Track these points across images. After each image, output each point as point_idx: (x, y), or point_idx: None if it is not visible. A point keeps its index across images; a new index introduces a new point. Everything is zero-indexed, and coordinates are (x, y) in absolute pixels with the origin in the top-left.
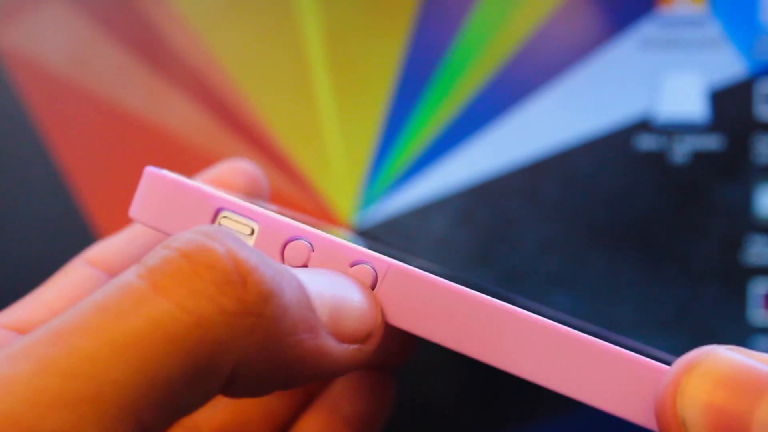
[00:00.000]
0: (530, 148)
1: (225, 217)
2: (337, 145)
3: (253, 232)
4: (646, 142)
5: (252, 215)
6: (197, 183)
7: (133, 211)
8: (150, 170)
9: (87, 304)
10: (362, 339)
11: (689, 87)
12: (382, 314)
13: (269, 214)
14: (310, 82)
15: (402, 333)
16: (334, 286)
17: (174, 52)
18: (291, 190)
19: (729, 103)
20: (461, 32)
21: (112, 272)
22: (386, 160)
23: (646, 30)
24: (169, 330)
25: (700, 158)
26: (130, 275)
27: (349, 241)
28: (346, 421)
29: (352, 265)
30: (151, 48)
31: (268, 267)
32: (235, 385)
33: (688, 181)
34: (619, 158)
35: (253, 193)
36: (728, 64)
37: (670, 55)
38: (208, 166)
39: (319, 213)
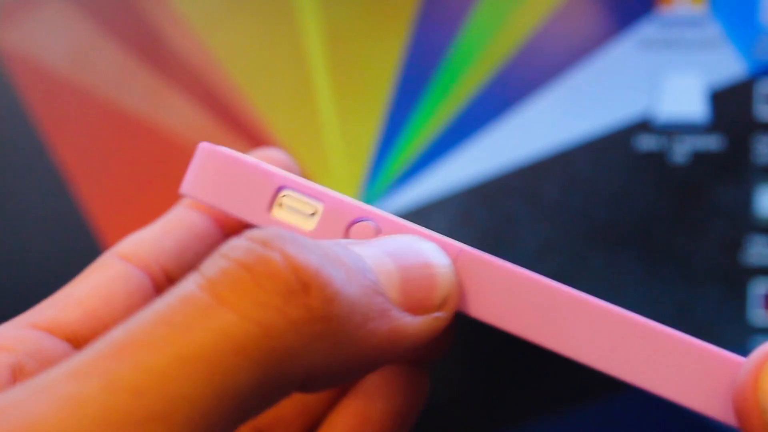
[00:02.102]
0: (530, 148)
1: (286, 196)
2: (337, 145)
3: (315, 212)
4: (646, 142)
5: (316, 195)
6: (256, 160)
7: (186, 187)
8: (205, 146)
9: (149, 315)
10: (439, 305)
11: (689, 87)
12: (457, 273)
13: (334, 194)
14: (310, 82)
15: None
16: (402, 254)
17: (174, 52)
18: None
19: (729, 103)
20: (461, 32)
21: (146, 268)
22: (386, 160)
23: (646, 30)
24: (238, 342)
25: (700, 158)
26: (190, 286)
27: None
28: (380, 417)
29: None
30: (151, 48)
31: (329, 264)
32: (310, 386)
33: (688, 181)
34: (619, 158)
35: None
36: (728, 64)
37: (670, 55)
38: None
39: None
